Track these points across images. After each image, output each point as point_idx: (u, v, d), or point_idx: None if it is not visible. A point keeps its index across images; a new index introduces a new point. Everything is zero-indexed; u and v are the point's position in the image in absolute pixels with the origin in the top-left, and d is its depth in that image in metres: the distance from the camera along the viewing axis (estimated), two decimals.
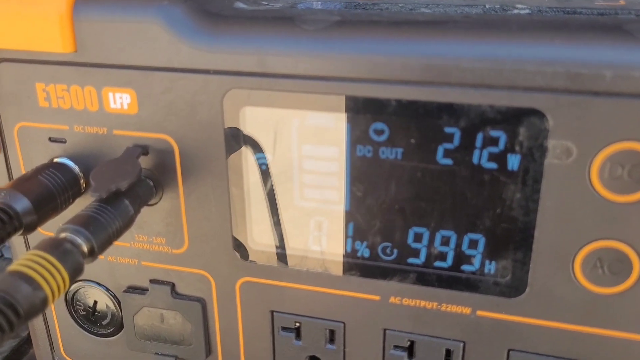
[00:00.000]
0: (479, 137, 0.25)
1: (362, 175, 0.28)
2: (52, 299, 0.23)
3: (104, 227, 0.26)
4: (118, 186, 0.27)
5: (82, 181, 0.31)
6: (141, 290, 0.34)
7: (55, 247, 0.24)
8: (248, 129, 0.28)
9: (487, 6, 0.31)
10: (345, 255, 0.29)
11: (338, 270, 0.30)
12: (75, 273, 0.24)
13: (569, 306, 0.27)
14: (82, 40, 0.29)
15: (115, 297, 0.35)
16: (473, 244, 0.27)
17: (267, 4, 0.33)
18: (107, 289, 0.35)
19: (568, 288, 0.26)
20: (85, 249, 0.25)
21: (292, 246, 0.30)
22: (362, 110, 0.26)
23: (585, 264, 0.26)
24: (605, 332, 0.27)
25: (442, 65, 0.25)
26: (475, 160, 0.26)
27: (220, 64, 0.27)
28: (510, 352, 0.29)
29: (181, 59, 0.27)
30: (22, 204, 0.28)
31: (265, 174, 0.29)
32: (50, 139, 0.31)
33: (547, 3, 0.32)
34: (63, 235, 0.25)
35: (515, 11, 0.30)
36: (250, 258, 0.31)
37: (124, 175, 0.28)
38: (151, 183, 0.30)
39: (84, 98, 0.30)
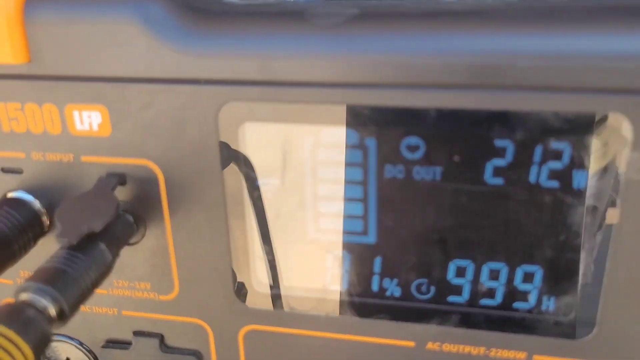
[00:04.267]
0: (538, 151, 0.22)
1: (392, 200, 0.24)
2: None
3: (75, 281, 0.23)
4: (91, 228, 0.23)
5: (44, 218, 0.27)
6: (123, 344, 0.30)
7: (14, 316, 0.21)
8: (249, 149, 0.24)
9: None
10: (372, 295, 0.26)
11: (363, 313, 0.26)
12: (40, 345, 0.21)
13: None
14: (37, 48, 0.24)
15: (91, 352, 0.31)
16: (528, 277, 0.24)
17: None
18: (81, 344, 0.31)
19: None
20: (52, 312, 0.22)
21: (305, 287, 0.27)
22: (391, 123, 0.22)
23: None
24: None
25: (493, 65, 0.20)
26: (532, 178, 0.22)
27: (213, 72, 0.23)
28: None
29: (164, 67, 0.23)
30: None
31: (271, 202, 0.25)
32: (2, 169, 0.27)
33: None
34: (24, 297, 0.21)
35: None
36: (255, 303, 0.27)
37: (97, 213, 0.24)
38: (131, 219, 0.26)
39: (43, 118, 0.26)
